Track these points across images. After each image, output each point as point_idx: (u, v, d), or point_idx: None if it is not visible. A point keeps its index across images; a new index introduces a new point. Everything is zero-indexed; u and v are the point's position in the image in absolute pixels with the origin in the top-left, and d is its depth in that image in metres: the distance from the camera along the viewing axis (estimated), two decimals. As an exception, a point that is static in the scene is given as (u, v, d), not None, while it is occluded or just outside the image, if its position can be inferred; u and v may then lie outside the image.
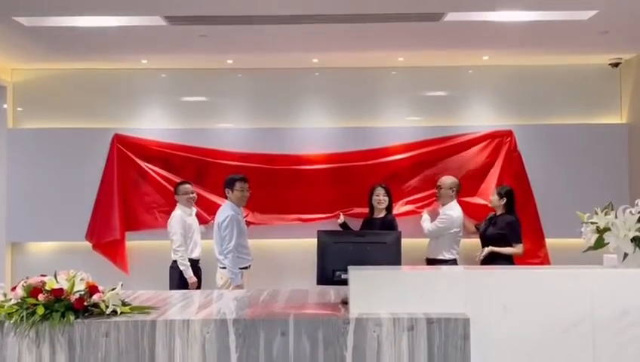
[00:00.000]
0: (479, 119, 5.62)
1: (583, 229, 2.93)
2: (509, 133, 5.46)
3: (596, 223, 2.85)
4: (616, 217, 2.80)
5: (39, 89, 5.66)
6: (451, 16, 4.22)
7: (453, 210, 5.02)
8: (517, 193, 4.99)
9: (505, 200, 4.82)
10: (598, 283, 2.68)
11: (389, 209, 5.07)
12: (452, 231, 4.96)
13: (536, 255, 5.20)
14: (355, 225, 5.26)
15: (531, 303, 2.66)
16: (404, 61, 5.48)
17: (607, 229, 2.81)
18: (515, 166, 5.41)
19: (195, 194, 5.09)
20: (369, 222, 5.10)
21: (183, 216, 4.96)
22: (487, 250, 4.73)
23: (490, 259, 4.70)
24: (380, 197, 5.04)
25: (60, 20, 4.28)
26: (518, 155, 5.43)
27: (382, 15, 4.16)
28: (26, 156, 5.51)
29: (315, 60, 5.44)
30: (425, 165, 5.45)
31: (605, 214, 2.84)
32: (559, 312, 2.65)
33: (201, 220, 5.21)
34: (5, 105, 5.59)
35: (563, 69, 5.62)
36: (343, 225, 5.28)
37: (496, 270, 3.41)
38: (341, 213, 5.30)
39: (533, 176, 5.40)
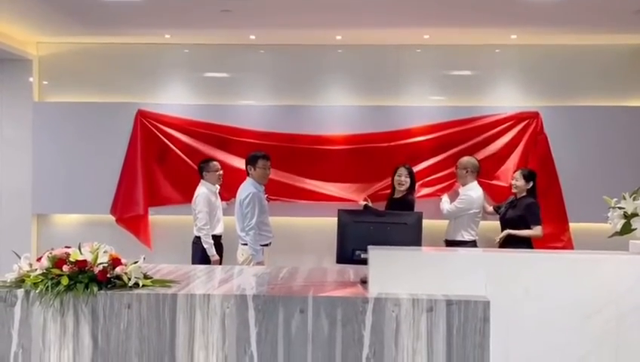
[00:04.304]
0: (505, 100, 5.51)
1: (609, 214, 2.87)
2: (535, 115, 5.35)
3: (624, 208, 2.79)
4: (644, 203, 2.74)
5: (64, 63, 5.70)
6: (480, -7, 4.12)
7: (473, 191, 4.96)
8: (542, 176, 4.92)
9: (531, 183, 4.75)
10: (623, 269, 2.63)
11: (410, 190, 5.02)
12: (471, 211, 4.90)
13: (559, 239, 5.13)
14: (379, 204, 5.21)
15: (554, 288, 2.62)
16: (430, 39, 5.38)
17: (634, 215, 2.76)
18: (540, 148, 5.30)
19: (222, 171, 5.11)
20: (389, 202, 5.07)
21: (208, 194, 4.97)
22: (505, 232, 4.70)
23: (508, 243, 4.65)
24: (402, 179, 4.98)
25: (84, -7, 4.30)
26: (544, 137, 5.32)
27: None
28: (52, 129, 5.58)
29: (339, 37, 5.37)
30: (448, 146, 5.37)
31: (634, 199, 2.78)
32: (582, 298, 2.61)
33: (221, 198, 5.23)
34: (31, 79, 5.66)
35: (593, 49, 5.46)
36: (365, 206, 5.26)
37: (518, 253, 3.36)
38: (361, 200, 5.26)
39: (559, 158, 5.29)
